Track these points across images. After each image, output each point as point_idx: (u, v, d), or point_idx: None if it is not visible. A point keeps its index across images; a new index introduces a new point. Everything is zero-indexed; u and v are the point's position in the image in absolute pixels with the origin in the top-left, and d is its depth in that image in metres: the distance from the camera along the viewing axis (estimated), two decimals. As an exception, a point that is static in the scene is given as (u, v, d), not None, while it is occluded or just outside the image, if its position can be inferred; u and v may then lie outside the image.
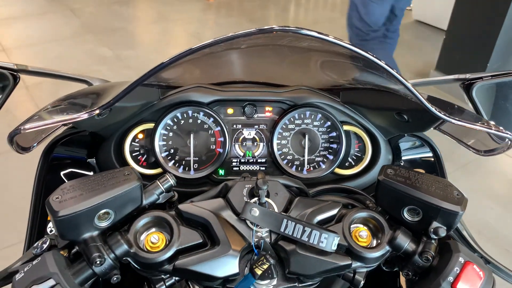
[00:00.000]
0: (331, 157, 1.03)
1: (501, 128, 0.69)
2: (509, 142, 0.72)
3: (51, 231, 0.89)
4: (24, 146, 0.72)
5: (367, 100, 0.98)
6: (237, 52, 0.89)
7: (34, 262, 0.63)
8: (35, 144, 0.75)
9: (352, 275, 0.75)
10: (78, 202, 0.62)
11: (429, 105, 0.68)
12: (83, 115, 0.66)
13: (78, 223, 0.63)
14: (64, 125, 0.79)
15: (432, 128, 0.85)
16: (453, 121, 0.69)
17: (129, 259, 0.68)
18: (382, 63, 0.66)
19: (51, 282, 0.60)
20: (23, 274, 0.62)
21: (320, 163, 1.03)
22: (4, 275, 0.72)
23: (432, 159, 1.02)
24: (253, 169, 1.03)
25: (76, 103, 0.69)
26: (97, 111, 0.66)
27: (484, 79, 0.95)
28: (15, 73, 0.89)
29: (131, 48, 4.60)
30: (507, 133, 0.69)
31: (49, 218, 0.89)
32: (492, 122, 0.70)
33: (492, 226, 2.78)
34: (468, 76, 0.97)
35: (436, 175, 0.96)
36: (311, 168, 1.03)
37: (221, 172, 1.03)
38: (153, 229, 0.71)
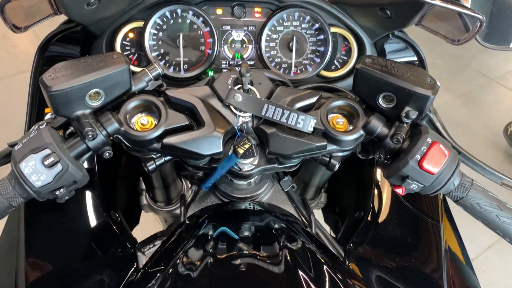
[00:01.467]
0: (317, 60, 1.05)
1: (475, 11, 0.71)
2: (479, 23, 0.74)
3: None
4: (16, 25, 0.75)
5: None
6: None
7: (31, 135, 0.68)
8: (28, 25, 0.77)
9: (328, 159, 0.81)
10: (69, 79, 0.66)
11: None
12: None
13: (70, 99, 0.67)
14: (56, 13, 0.81)
15: (413, 25, 0.88)
16: (431, 2, 0.71)
17: (120, 137, 0.73)
18: None
19: (47, 151, 0.65)
20: (21, 145, 0.67)
21: (307, 66, 1.06)
22: (6, 152, 0.78)
23: (416, 62, 1.05)
24: None
25: None
26: None
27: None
28: None
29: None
30: (478, 14, 0.72)
31: (46, 111, 0.94)
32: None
33: (488, 156, 2.85)
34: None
35: None
36: (298, 71, 1.06)
37: (211, 73, 1.06)
38: (143, 113, 0.76)
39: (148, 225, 1.33)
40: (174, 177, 1.07)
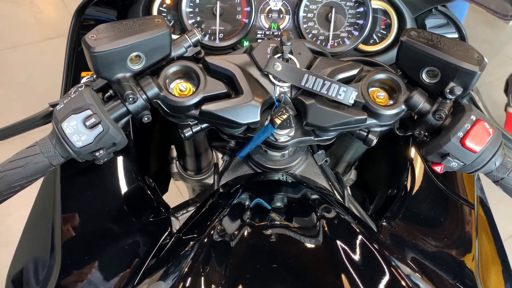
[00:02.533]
0: (356, 33, 1.03)
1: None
2: None
3: None
4: None
5: None
6: None
7: (72, 96, 0.68)
8: None
9: (365, 134, 0.79)
10: (112, 41, 0.65)
11: None
12: None
13: (112, 61, 0.67)
14: None
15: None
16: None
17: (159, 101, 0.73)
18: None
19: (88, 112, 0.65)
20: (63, 105, 0.67)
21: (345, 39, 1.04)
22: (46, 112, 0.79)
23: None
24: None
25: None
26: None
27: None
28: None
29: None
30: None
31: (82, 74, 0.94)
32: None
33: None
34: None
35: None
36: (335, 44, 1.04)
37: (246, 43, 1.04)
38: (182, 80, 0.75)
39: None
40: (206, 147, 1.07)
